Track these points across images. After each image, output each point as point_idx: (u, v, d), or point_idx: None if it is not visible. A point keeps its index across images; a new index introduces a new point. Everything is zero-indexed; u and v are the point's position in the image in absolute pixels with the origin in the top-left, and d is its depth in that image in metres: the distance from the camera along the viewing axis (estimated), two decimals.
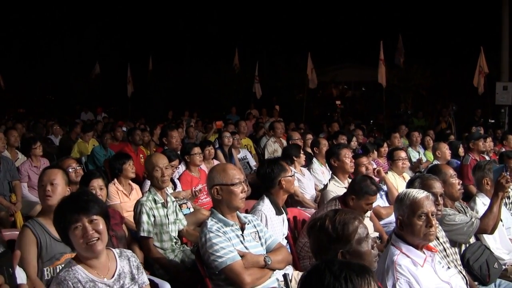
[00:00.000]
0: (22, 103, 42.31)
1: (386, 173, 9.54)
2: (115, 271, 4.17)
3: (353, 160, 8.36)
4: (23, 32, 46.52)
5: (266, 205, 6.26)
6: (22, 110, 40.54)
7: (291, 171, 6.66)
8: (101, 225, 4.03)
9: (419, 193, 4.59)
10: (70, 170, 7.41)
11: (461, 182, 6.60)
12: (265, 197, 6.36)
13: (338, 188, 7.89)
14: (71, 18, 44.40)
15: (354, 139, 13.14)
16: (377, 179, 8.73)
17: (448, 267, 5.01)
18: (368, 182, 6.37)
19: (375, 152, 11.37)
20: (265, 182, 6.47)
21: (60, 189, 5.38)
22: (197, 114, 26.28)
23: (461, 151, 12.06)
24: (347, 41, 33.84)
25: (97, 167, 11.81)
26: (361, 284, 2.64)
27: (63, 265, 4.85)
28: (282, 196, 6.48)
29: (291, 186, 6.58)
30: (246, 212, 6.63)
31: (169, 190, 7.22)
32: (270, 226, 6.08)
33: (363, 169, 8.62)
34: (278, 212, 6.34)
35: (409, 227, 4.49)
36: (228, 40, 33.69)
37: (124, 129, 16.03)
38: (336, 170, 8.27)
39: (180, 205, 7.52)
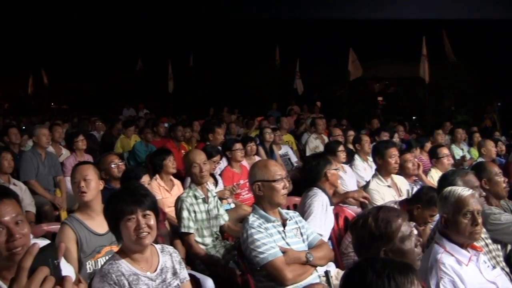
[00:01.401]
0: (65, 100, 42.77)
1: (429, 170, 9.46)
2: (157, 266, 4.23)
3: (398, 161, 8.22)
4: (65, 30, 46.94)
5: (321, 194, 6.32)
6: (65, 107, 40.98)
7: (336, 165, 6.69)
8: (152, 221, 4.11)
9: (464, 191, 4.53)
10: (113, 165, 7.48)
11: (506, 180, 6.50)
12: (316, 188, 6.37)
13: (380, 186, 7.82)
14: (113, 14, 44.65)
15: (396, 135, 13.05)
16: (415, 177, 8.67)
17: (494, 267, 4.94)
18: (436, 194, 6.29)
19: (418, 149, 11.28)
20: (312, 175, 6.51)
21: (93, 184, 5.41)
22: (238, 111, 26.30)
23: (502, 148, 11.89)
24: (388, 37, 33.54)
25: (138, 163, 11.88)
26: (404, 283, 2.61)
27: (104, 258, 4.92)
28: (328, 190, 6.48)
29: (336, 179, 6.61)
30: (288, 208, 6.64)
31: (211, 185, 7.22)
32: (329, 213, 6.13)
33: (410, 165, 8.52)
34: (331, 202, 6.36)
35: (454, 225, 4.44)
36: (269, 36, 33.60)
37: (166, 125, 16.07)
38: (380, 168, 8.18)
39: (221, 200, 7.53)
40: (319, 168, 6.50)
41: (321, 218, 6.14)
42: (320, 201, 6.25)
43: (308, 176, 6.61)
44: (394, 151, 8.10)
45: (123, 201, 4.09)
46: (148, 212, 4.10)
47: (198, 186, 6.75)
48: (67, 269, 3.79)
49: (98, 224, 4.79)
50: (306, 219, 6.02)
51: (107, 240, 5.04)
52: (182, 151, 11.85)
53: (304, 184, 6.79)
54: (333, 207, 6.51)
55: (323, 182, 6.50)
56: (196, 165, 6.78)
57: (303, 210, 6.27)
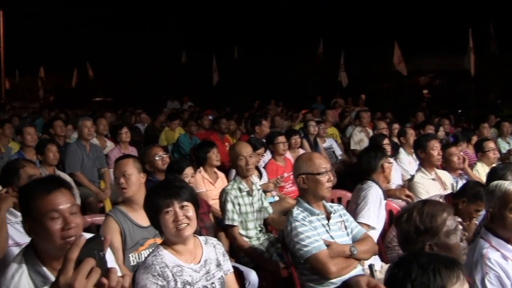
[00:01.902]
0: (110, 92, 43.11)
1: (475, 164, 9.35)
2: (201, 257, 4.24)
3: (441, 152, 8.15)
4: (110, 22, 47.32)
5: (376, 187, 6.31)
6: (110, 99, 41.31)
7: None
8: (191, 212, 4.11)
9: (511, 185, 4.47)
10: (157, 158, 7.51)
11: None
12: (370, 181, 6.37)
13: (425, 179, 7.76)
14: (157, 7, 44.89)
15: (441, 128, 12.91)
16: (460, 171, 8.58)
17: None
18: (482, 188, 6.22)
19: (465, 143, 11.16)
20: (368, 166, 6.49)
21: (134, 178, 5.44)
22: (282, 103, 26.28)
23: None
24: (433, 29, 33.25)
25: (182, 155, 11.94)
26: (449, 277, 2.59)
27: (147, 251, 4.95)
28: (382, 183, 6.46)
29: (390, 172, 6.60)
30: (332, 201, 6.62)
31: (255, 178, 7.23)
32: (383, 206, 6.18)
33: (455, 159, 8.43)
34: (385, 197, 6.35)
35: (500, 220, 4.37)
36: (313, 28, 33.52)
37: (211, 117, 16.13)
38: (423, 162, 8.10)
39: (265, 193, 7.53)
40: (377, 160, 6.48)
41: (375, 211, 6.12)
42: (375, 193, 6.22)
43: (363, 168, 6.59)
44: (435, 144, 8.04)
45: (159, 195, 4.12)
46: (185, 203, 4.11)
47: (243, 179, 6.75)
48: (113, 262, 3.85)
49: (142, 216, 4.82)
50: (360, 212, 6.03)
51: (150, 233, 5.07)
52: (226, 144, 11.90)
53: (356, 177, 6.78)
54: (385, 201, 6.48)
55: (378, 175, 6.48)
56: (242, 157, 6.78)
57: (356, 203, 6.26)
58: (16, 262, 3.38)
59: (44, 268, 3.34)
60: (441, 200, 6.13)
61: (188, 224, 4.07)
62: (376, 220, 6.10)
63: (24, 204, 3.40)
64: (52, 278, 3.29)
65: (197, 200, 4.27)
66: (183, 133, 13.46)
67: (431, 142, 8.02)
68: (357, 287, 2.29)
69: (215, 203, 7.33)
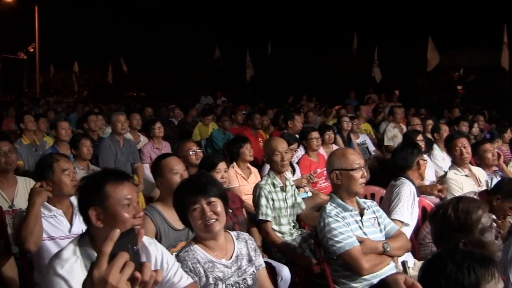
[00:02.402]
0: (143, 87, 43.31)
1: (510, 160, 9.27)
2: (233, 253, 4.26)
3: (470, 150, 8.04)
4: (143, 18, 47.53)
5: (409, 184, 6.27)
6: (143, 94, 41.51)
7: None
8: (219, 207, 4.11)
9: None
10: (191, 153, 7.52)
11: None
12: (403, 178, 6.34)
13: (458, 176, 7.70)
14: (191, 2, 44.98)
15: (476, 125, 12.80)
16: (495, 167, 8.49)
17: None
18: None
19: (500, 140, 11.07)
20: (404, 163, 6.47)
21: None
22: (315, 99, 26.23)
23: None
24: (467, 24, 32.92)
25: (216, 150, 11.96)
26: (484, 275, 2.57)
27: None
28: (416, 180, 6.44)
29: (425, 169, 6.58)
30: (365, 197, 6.60)
31: (288, 174, 7.22)
32: (416, 203, 6.15)
33: (489, 156, 8.34)
34: (418, 194, 6.32)
35: None
36: (347, 23, 33.39)
37: (244, 112, 16.14)
38: (455, 159, 8.06)
39: (298, 189, 7.52)
40: (413, 157, 6.46)
41: (408, 208, 6.09)
42: (408, 190, 6.19)
43: (398, 165, 6.56)
44: (463, 141, 7.95)
45: (186, 192, 4.16)
46: (212, 199, 4.12)
47: (277, 174, 6.76)
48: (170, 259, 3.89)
49: (178, 218, 4.85)
50: (393, 208, 6.00)
51: (183, 235, 5.08)
52: (260, 139, 11.90)
53: (389, 173, 6.75)
54: (419, 198, 6.45)
55: (413, 172, 6.45)
56: (278, 153, 6.78)
57: (390, 199, 6.23)
58: (71, 247, 3.44)
59: None
60: (475, 197, 6.08)
61: (216, 219, 4.08)
62: (409, 217, 6.07)
63: (95, 192, 3.48)
64: None
65: (225, 195, 4.27)
66: (216, 128, 13.49)
67: (458, 140, 7.96)
68: (395, 286, 2.27)
69: (248, 199, 7.33)
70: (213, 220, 4.07)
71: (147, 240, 3.77)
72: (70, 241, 3.58)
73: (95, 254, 3.18)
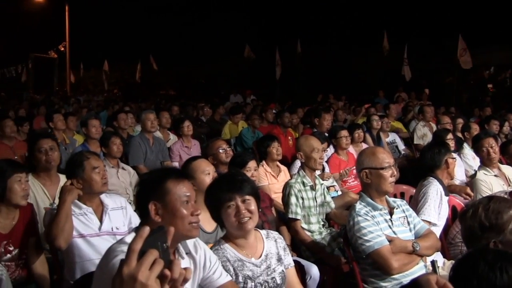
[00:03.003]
0: (173, 86, 43.42)
1: None
2: (262, 252, 4.28)
3: (497, 150, 7.95)
4: (173, 17, 47.66)
5: (436, 183, 6.22)
6: (173, 92, 41.61)
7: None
8: (253, 205, 4.13)
9: None
10: (221, 151, 7.53)
11: None
12: (432, 178, 6.30)
13: (488, 176, 7.63)
14: (221, 0, 45.07)
15: (506, 123, 12.68)
16: None
17: None
18: None
19: None
20: (432, 162, 6.44)
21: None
22: (345, 97, 26.15)
23: None
24: (498, 22, 32.61)
25: (245, 148, 11.97)
26: None
27: None
28: (445, 179, 6.40)
29: (453, 168, 6.53)
30: (395, 196, 6.57)
31: (318, 173, 7.21)
32: (444, 203, 6.09)
33: None
34: (446, 192, 6.28)
35: None
36: (377, 21, 33.23)
37: (274, 111, 16.15)
38: (482, 159, 8.00)
39: (328, 188, 7.51)
40: (441, 156, 6.42)
41: (436, 208, 6.05)
42: (435, 190, 6.15)
43: (426, 164, 6.52)
44: (490, 141, 7.87)
45: (221, 189, 4.16)
46: (247, 197, 4.13)
47: (308, 173, 6.75)
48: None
49: (207, 220, 4.83)
50: (420, 209, 5.98)
51: (212, 238, 5.08)
52: (289, 138, 11.90)
53: (418, 172, 6.71)
54: (447, 197, 6.40)
55: (442, 171, 6.41)
56: (317, 150, 6.80)
57: (417, 199, 6.20)
58: (132, 236, 3.46)
59: None
60: (506, 196, 6.03)
61: (250, 217, 4.10)
62: (436, 217, 6.05)
63: (156, 187, 3.55)
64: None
65: (258, 194, 4.29)
66: (246, 127, 13.50)
67: (485, 140, 7.88)
68: (427, 286, 2.25)
69: (277, 197, 7.35)
70: (247, 218, 4.09)
71: (192, 239, 3.80)
72: (128, 233, 3.63)
73: None
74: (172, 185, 3.51)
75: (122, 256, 3.22)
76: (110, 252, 3.42)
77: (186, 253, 3.71)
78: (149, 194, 3.55)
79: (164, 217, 3.48)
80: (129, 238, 3.47)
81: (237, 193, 4.11)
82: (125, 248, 3.37)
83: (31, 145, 6.68)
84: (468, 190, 7.23)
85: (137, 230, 3.51)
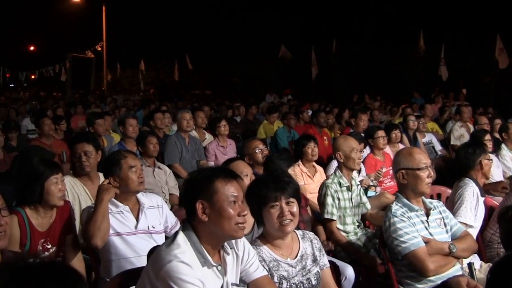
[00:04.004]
0: (209, 85, 43.56)
1: None
2: (298, 252, 4.27)
3: None
4: (209, 15, 47.81)
5: (472, 185, 6.14)
6: (209, 92, 41.74)
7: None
8: (295, 208, 4.14)
9: None
10: (257, 151, 7.56)
11: None
12: (467, 179, 6.23)
13: None
14: (257, 0, 45.05)
15: None
16: None
17: None
18: None
19: None
20: (466, 162, 6.37)
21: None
22: (381, 97, 26.01)
23: None
24: None
25: (277, 149, 11.96)
26: None
27: None
28: (480, 180, 6.34)
29: (489, 169, 6.49)
30: (432, 197, 6.52)
31: (355, 173, 7.18)
32: (480, 204, 6.01)
33: None
34: (482, 193, 6.21)
35: None
36: (413, 21, 33.00)
37: (310, 111, 16.13)
38: None
39: (367, 188, 7.49)
40: (475, 157, 6.35)
41: (472, 209, 5.99)
42: (471, 191, 6.09)
43: (460, 165, 6.46)
44: None
45: (268, 187, 4.13)
46: (291, 199, 4.12)
47: (345, 173, 6.73)
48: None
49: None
50: (456, 210, 5.92)
51: (248, 239, 5.09)
52: (324, 138, 11.88)
53: (454, 173, 6.66)
54: (484, 198, 6.34)
55: (476, 171, 6.35)
56: (356, 150, 6.78)
57: (453, 201, 6.15)
58: (181, 237, 3.54)
59: (204, 249, 3.53)
60: None
61: (291, 220, 4.10)
62: (473, 219, 5.98)
63: (203, 187, 3.56)
64: (210, 259, 3.52)
65: (300, 196, 4.29)
66: (281, 127, 13.51)
67: None
68: None
69: (313, 197, 7.34)
70: (288, 221, 4.08)
71: None
72: (176, 231, 3.66)
73: (202, 247, 3.41)
74: (220, 185, 3.52)
75: (175, 262, 3.27)
76: (162, 257, 3.45)
77: (230, 248, 3.74)
78: (197, 192, 3.56)
79: (210, 216, 3.50)
80: (180, 240, 3.50)
81: (282, 194, 4.10)
82: (177, 251, 3.42)
83: (70, 147, 6.78)
84: (504, 183, 7.14)
85: (184, 228, 3.55)
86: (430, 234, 4.94)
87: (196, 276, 3.36)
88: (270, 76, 37.96)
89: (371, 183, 8.18)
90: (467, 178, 6.25)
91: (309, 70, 29.73)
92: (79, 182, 6.45)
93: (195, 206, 3.51)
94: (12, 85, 61.94)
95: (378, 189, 8.30)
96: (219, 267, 3.59)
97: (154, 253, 3.57)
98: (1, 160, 8.89)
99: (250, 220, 4.91)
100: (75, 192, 6.33)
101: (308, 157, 8.29)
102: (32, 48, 74.43)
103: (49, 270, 1.95)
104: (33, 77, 58.45)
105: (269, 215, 4.10)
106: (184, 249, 3.44)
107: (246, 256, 3.84)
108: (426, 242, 4.80)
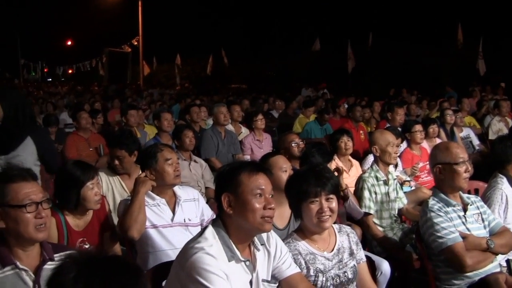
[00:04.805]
0: (244, 79, 43.61)
1: None
2: (334, 246, 4.27)
3: None
4: (244, 10, 47.86)
5: (505, 183, 5.95)
6: (244, 86, 41.78)
7: None
8: (334, 203, 4.13)
9: None
10: (293, 144, 7.53)
11: None
12: (501, 175, 6.09)
13: None
14: None
15: None
16: None
17: None
18: None
19: None
20: (503, 155, 6.19)
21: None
22: (417, 92, 25.82)
23: None
24: None
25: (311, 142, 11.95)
26: None
27: None
28: None
29: None
30: (469, 193, 6.45)
31: (391, 168, 7.13)
32: (511, 206, 5.87)
33: None
34: None
35: None
36: (451, 14, 32.72)
37: (346, 105, 16.08)
38: None
39: (402, 183, 7.44)
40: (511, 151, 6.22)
41: (501, 213, 5.82)
42: (499, 195, 5.78)
43: (496, 159, 6.33)
44: None
45: (309, 183, 4.11)
46: (331, 196, 4.11)
47: (381, 167, 6.70)
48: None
49: (279, 216, 4.83)
50: (489, 206, 5.82)
51: (284, 234, 5.06)
52: (361, 132, 11.83)
53: (489, 168, 6.56)
54: None
55: None
56: (393, 144, 6.74)
57: (485, 200, 6.06)
58: (210, 230, 3.56)
59: (232, 243, 3.53)
60: None
61: (330, 216, 4.09)
62: (502, 221, 5.86)
63: (229, 179, 3.57)
64: (239, 254, 3.53)
65: (339, 192, 4.28)
66: (312, 120, 13.50)
67: None
68: (496, 285, 2.21)
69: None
70: (327, 217, 4.07)
71: None
72: (206, 225, 3.68)
73: (231, 241, 3.42)
74: (245, 178, 3.50)
75: (201, 253, 3.28)
76: (188, 249, 3.47)
77: (261, 244, 3.73)
78: (223, 185, 3.57)
79: (235, 209, 3.49)
80: (208, 233, 3.51)
81: (323, 190, 4.08)
82: (204, 244, 3.42)
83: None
84: None
85: (214, 222, 3.55)
86: (468, 229, 4.90)
87: (220, 267, 3.36)
88: (306, 70, 37.87)
89: (405, 178, 8.13)
90: (500, 175, 6.06)
91: (345, 64, 29.64)
92: (116, 176, 6.50)
93: (221, 199, 3.53)
94: (50, 79, 62.74)
95: (413, 183, 8.24)
96: (247, 263, 3.58)
97: (183, 247, 3.59)
98: None
99: (286, 213, 4.92)
100: (110, 183, 6.38)
101: (341, 151, 8.25)
102: (69, 43, 75.25)
103: (113, 264, 2.01)
104: (70, 71, 59.05)
105: (308, 210, 4.08)
106: (212, 243, 3.45)
107: (278, 253, 3.83)
108: (464, 237, 4.76)
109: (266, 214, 3.48)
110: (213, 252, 3.38)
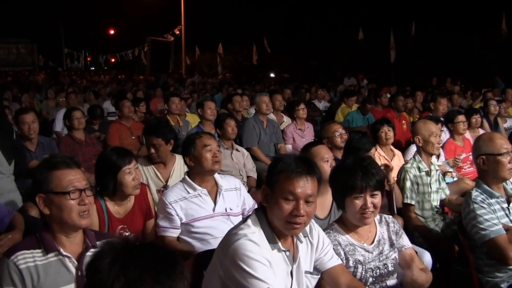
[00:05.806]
0: (286, 69, 43.55)
1: None
2: (374, 237, 4.24)
3: None
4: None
5: None
6: (286, 75, 41.74)
7: None
8: (378, 199, 4.10)
9: None
10: (337, 134, 7.51)
11: None
12: None
13: None
14: None
15: None
16: None
17: None
18: None
19: None
20: None
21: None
22: (460, 82, 25.57)
23: None
24: None
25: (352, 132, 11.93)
26: None
27: None
28: None
29: None
30: None
31: (434, 158, 7.08)
32: None
33: None
34: None
35: None
36: (495, 3, 32.29)
37: (388, 95, 15.99)
38: None
39: (444, 174, 7.38)
40: None
41: None
42: None
43: None
44: None
45: (355, 177, 4.05)
46: (376, 192, 4.07)
47: (424, 158, 6.64)
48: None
49: (320, 206, 4.80)
50: None
51: (325, 224, 5.04)
52: (403, 122, 11.76)
53: None
54: None
55: None
56: (436, 135, 6.67)
57: None
58: (253, 218, 3.57)
59: (274, 233, 3.53)
60: None
61: (373, 212, 4.06)
62: None
63: (271, 173, 3.54)
64: (280, 244, 3.53)
65: (384, 187, 4.24)
66: (355, 110, 13.45)
67: None
68: None
69: None
70: (370, 213, 4.04)
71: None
72: (249, 214, 3.69)
73: (272, 230, 3.44)
74: (283, 177, 3.45)
75: (243, 239, 3.27)
76: (231, 236, 3.47)
77: (304, 237, 3.72)
78: (267, 177, 3.57)
79: (269, 203, 3.49)
80: (251, 221, 3.52)
81: (368, 186, 4.03)
82: (247, 231, 3.43)
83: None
84: None
85: (257, 211, 3.55)
86: (511, 221, 4.84)
87: (263, 254, 3.35)
88: (349, 59, 37.72)
89: (448, 169, 8.07)
90: None
91: (388, 54, 29.46)
92: (151, 165, 6.55)
93: (262, 189, 3.54)
94: (93, 68, 63.36)
95: (455, 174, 8.18)
96: (288, 253, 3.57)
97: (226, 234, 3.60)
98: (83, 141, 9.06)
99: (327, 203, 4.90)
100: (145, 173, 6.42)
101: (382, 141, 8.20)
102: (112, 32, 75.77)
103: (149, 251, 2.04)
104: (113, 60, 59.63)
105: (352, 205, 4.05)
106: (254, 230, 3.45)
107: (320, 245, 3.82)
108: (507, 229, 4.71)
109: (292, 220, 3.42)
110: (255, 239, 3.38)
